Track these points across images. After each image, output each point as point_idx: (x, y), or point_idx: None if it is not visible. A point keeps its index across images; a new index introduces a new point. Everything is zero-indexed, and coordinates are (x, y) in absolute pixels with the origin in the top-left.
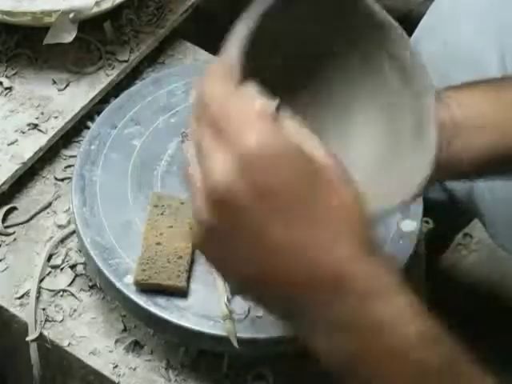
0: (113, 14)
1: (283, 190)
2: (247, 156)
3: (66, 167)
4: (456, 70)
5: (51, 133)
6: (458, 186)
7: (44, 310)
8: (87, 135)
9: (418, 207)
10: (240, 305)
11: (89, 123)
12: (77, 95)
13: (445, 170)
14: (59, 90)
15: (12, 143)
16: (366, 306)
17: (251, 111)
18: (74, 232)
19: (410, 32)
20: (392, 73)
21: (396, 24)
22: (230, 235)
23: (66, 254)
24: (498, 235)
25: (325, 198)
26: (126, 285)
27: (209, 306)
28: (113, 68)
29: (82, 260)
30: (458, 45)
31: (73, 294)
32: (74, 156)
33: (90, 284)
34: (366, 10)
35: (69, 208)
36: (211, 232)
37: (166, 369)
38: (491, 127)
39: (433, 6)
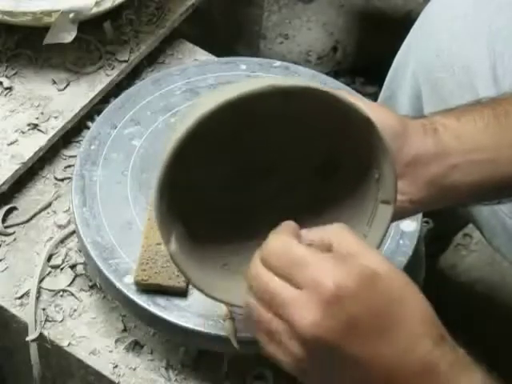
0: (113, 13)
1: (366, 317)
2: (329, 297)
3: (66, 167)
4: (449, 78)
5: (51, 133)
6: None
7: (44, 310)
8: (87, 135)
9: None
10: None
11: (89, 123)
12: (77, 95)
13: (443, 199)
14: (59, 90)
15: (12, 143)
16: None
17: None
18: (73, 232)
19: (409, 32)
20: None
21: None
22: (326, 369)
23: (66, 254)
24: (494, 240)
25: (397, 310)
26: (126, 285)
27: (208, 306)
28: (113, 68)
29: (82, 260)
30: (451, 53)
31: (73, 294)
32: (74, 156)
33: (90, 284)
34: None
35: (69, 208)
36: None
37: (166, 369)
38: (487, 159)
39: (424, 12)
